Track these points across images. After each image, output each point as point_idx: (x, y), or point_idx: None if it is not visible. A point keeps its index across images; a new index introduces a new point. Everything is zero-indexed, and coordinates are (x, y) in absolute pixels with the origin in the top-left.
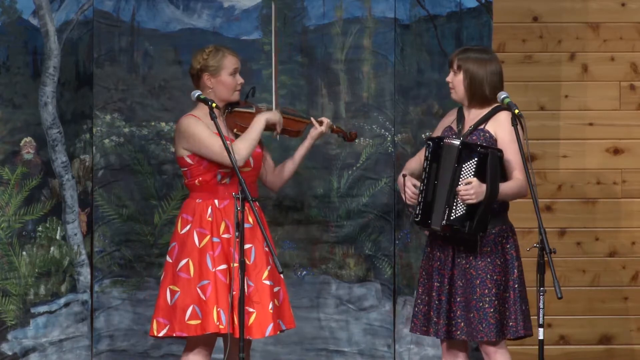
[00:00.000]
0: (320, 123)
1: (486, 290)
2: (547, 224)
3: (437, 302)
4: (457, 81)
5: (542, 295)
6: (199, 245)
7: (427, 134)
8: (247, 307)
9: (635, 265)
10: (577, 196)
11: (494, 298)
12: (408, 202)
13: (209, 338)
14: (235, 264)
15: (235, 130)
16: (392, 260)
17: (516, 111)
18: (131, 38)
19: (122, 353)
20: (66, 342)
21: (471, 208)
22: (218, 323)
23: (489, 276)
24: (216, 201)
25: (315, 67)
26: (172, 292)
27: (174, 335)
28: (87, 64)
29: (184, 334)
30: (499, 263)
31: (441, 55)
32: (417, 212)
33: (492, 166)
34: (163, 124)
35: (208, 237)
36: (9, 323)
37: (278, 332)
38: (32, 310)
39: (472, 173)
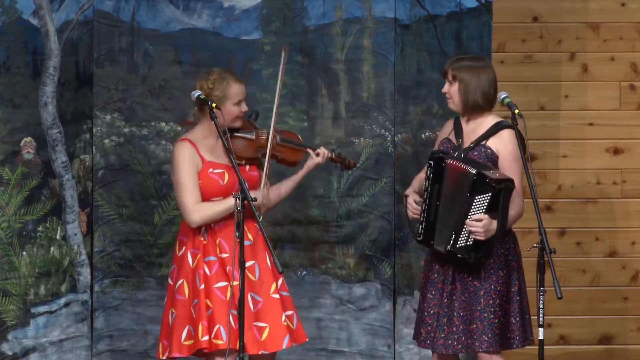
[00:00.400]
0: (318, 154)
1: (490, 301)
2: (547, 224)
3: (425, 314)
4: (453, 91)
5: (542, 295)
6: (192, 265)
7: (427, 134)
8: (258, 322)
9: (635, 265)
10: (577, 196)
11: (497, 308)
12: (411, 217)
13: (229, 353)
14: (236, 282)
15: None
16: (392, 260)
17: (516, 111)
18: (131, 38)
19: (122, 353)
20: (66, 342)
21: (479, 241)
22: (207, 337)
23: (492, 287)
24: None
25: (315, 67)
26: (172, 314)
27: (171, 356)
28: (87, 64)
29: (179, 355)
30: (501, 275)
31: (441, 55)
32: (420, 231)
33: (504, 201)
34: (163, 124)
35: (199, 256)
36: (9, 323)
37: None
38: (32, 310)
39: (484, 208)
